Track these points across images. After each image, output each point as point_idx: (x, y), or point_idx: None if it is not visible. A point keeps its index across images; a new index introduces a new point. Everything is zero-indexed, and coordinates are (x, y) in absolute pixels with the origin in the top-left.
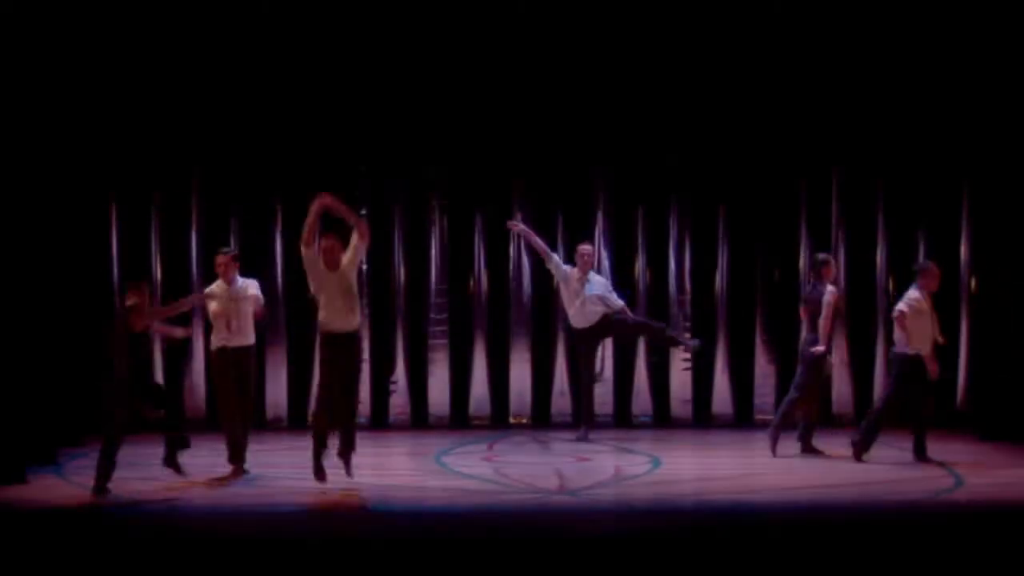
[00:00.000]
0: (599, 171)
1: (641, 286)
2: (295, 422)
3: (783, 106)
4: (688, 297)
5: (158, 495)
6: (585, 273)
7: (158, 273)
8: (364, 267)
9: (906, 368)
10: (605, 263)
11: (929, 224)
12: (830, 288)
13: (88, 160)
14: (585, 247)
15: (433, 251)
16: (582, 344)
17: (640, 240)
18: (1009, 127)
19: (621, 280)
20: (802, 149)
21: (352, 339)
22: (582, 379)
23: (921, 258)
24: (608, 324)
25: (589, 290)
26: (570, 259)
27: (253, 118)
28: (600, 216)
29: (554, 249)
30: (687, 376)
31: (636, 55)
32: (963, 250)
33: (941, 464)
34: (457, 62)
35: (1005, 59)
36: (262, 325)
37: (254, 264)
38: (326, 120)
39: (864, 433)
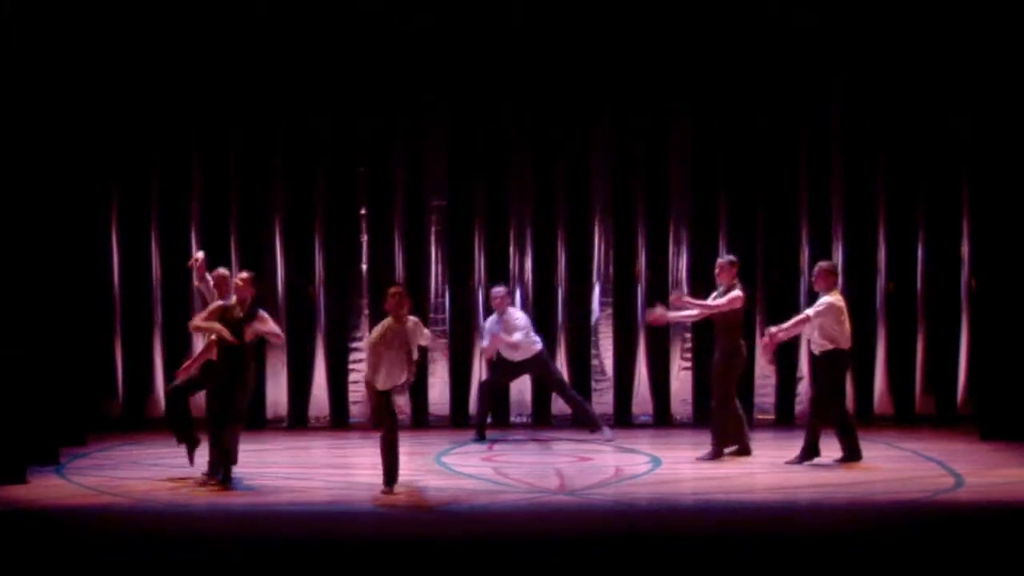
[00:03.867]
0: (597, 167)
1: (641, 286)
2: (295, 422)
3: (782, 105)
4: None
5: (158, 495)
6: (502, 313)
7: (158, 273)
8: (364, 267)
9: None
10: (604, 261)
11: (929, 223)
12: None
13: (89, 161)
14: (496, 289)
15: (433, 251)
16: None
17: (640, 240)
18: (1010, 125)
19: (621, 281)
20: (801, 149)
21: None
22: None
23: (919, 258)
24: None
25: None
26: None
27: (253, 117)
28: (599, 215)
29: (554, 248)
30: (687, 376)
31: (637, 50)
32: (964, 249)
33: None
34: (455, 60)
35: (1005, 55)
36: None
37: (255, 265)
38: (325, 120)
39: (842, 441)
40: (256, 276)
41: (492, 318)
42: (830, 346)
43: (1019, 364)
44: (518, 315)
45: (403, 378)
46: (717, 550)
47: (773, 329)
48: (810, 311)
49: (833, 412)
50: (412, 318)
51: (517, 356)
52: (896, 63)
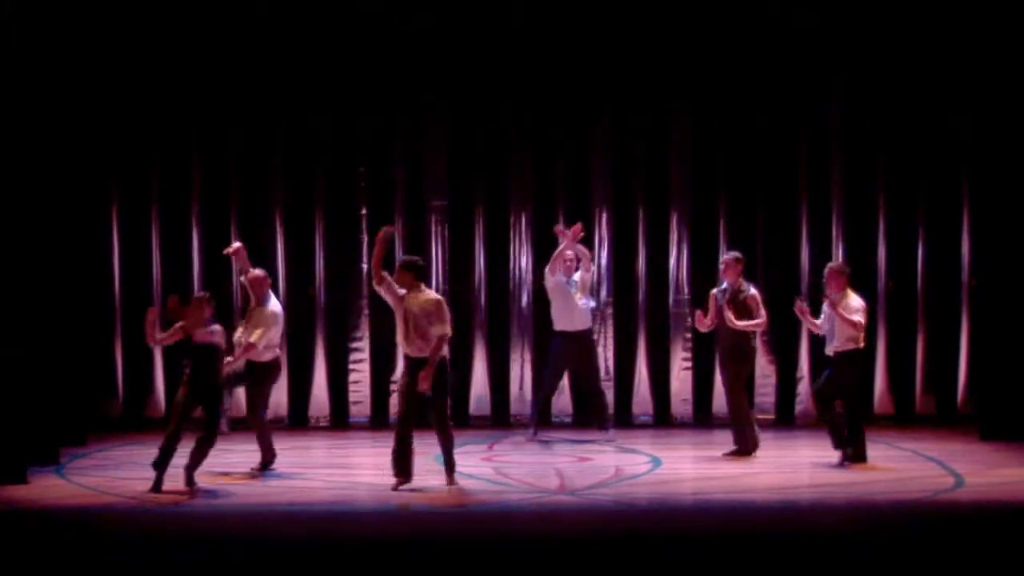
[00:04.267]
0: (597, 167)
1: (641, 286)
2: (295, 422)
3: (782, 105)
4: (687, 297)
5: (158, 495)
6: (569, 277)
7: (158, 273)
8: (365, 267)
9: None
10: (604, 261)
11: (929, 223)
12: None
13: (89, 161)
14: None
15: (433, 251)
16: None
17: (640, 240)
18: (1010, 125)
19: (621, 281)
20: (801, 149)
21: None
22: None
23: (919, 258)
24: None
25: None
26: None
27: (254, 117)
28: (599, 215)
29: (554, 247)
30: (687, 376)
31: (637, 50)
32: (964, 249)
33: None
34: (454, 60)
35: (1005, 55)
36: None
37: (255, 265)
38: (325, 120)
39: (853, 441)
40: (210, 296)
41: (558, 279)
42: (851, 346)
43: (1019, 364)
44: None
45: (406, 347)
46: (717, 550)
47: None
48: (859, 319)
49: (848, 411)
50: (432, 295)
51: (578, 324)
52: (896, 63)
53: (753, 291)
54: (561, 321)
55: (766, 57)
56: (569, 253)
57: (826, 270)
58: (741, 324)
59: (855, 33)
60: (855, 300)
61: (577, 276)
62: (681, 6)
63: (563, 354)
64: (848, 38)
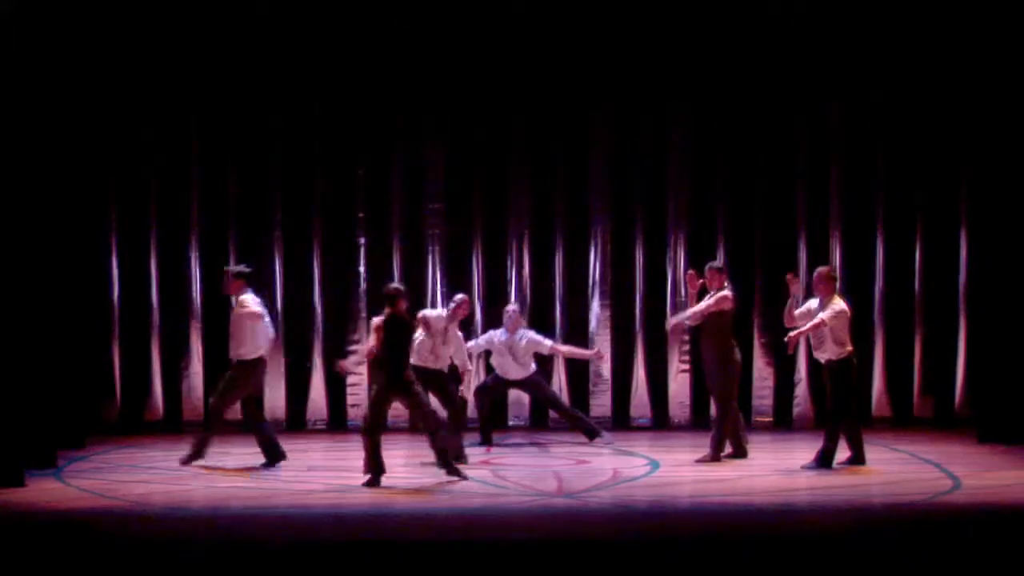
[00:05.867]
0: (597, 168)
1: (638, 288)
2: (293, 425)
3: (782, 106)
4: (685, 300)
5: (158, 496)
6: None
7: (156, 277)
8: (362, 271)
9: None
10: (602, 263)
11: (928, 225)
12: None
13: (89, 164)
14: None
15: (431, 254)
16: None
17: (638, 241)
18: (1010, 125)
19: (619, 282)
20: (801, 149)
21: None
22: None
23: (917, 260)
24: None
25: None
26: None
27: (252, 119)
28: (597, 216)
29: (552, 249)
30: (685, 379)
31: (637, 50)
32: (962, 250)
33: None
34: (454, 62)
35: (1005, 55)
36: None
37: (255, 270)
38: (324, 122)
39: (852, 445)
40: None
41: (499, 332)
42: (837, 356)
43: (1017, 367)
44: (531, 335)
45: None
46: (716, 552)
47: (793, 334)
48: (824, 315)
49: (847, 417)
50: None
51: (516, 375)
52: (896, 63)
53: (724, 292)
54: (498, 368)
55: (766, 57)
56: (511, 307)
57: (815, 274)
58: (702, 306)
59: (855, 33)
60: (838, 303)
61: (520, 335)
62: (681, 6)
63: (498, 386)
64: (848, 38)
